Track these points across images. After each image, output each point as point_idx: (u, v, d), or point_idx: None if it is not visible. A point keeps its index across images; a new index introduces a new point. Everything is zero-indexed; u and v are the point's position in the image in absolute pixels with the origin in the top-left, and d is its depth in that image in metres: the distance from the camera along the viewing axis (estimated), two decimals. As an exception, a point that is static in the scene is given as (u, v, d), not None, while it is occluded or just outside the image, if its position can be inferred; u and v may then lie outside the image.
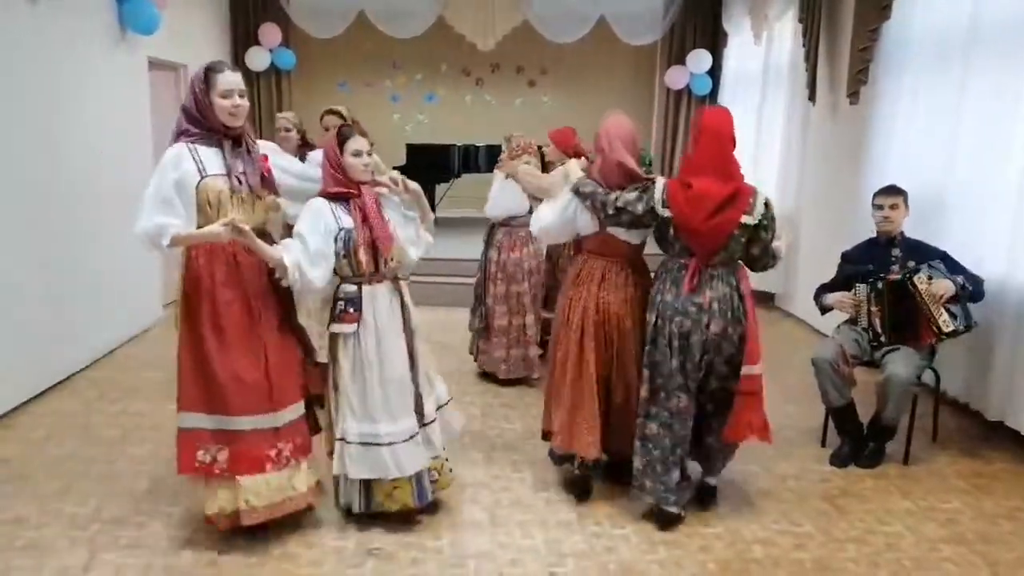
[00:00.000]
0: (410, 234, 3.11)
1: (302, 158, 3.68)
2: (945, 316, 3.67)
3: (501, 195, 4.86)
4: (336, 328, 2.98)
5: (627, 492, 3.50)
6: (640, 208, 3.11)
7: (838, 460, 3.87)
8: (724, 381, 3.16)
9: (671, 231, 3.10)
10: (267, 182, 2.98)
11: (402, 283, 3.10)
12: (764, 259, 3.14)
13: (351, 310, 2.95)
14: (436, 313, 6.62)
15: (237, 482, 2.87)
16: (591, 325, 3.25)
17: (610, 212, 3.16)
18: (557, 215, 3.31)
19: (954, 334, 3.70)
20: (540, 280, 4.94)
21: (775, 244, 3.17)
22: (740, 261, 3.15)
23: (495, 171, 5.04)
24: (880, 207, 3.97)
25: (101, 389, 4.73)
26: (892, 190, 3.99)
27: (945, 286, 3.65)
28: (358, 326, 2.95)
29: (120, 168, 5.57)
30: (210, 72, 2.84)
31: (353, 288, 2.97)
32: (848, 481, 3.71)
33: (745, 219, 3.02)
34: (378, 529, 3.14)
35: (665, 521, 3.22)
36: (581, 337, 3.27)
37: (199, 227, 2.77)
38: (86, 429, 4.11)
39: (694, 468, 3.36)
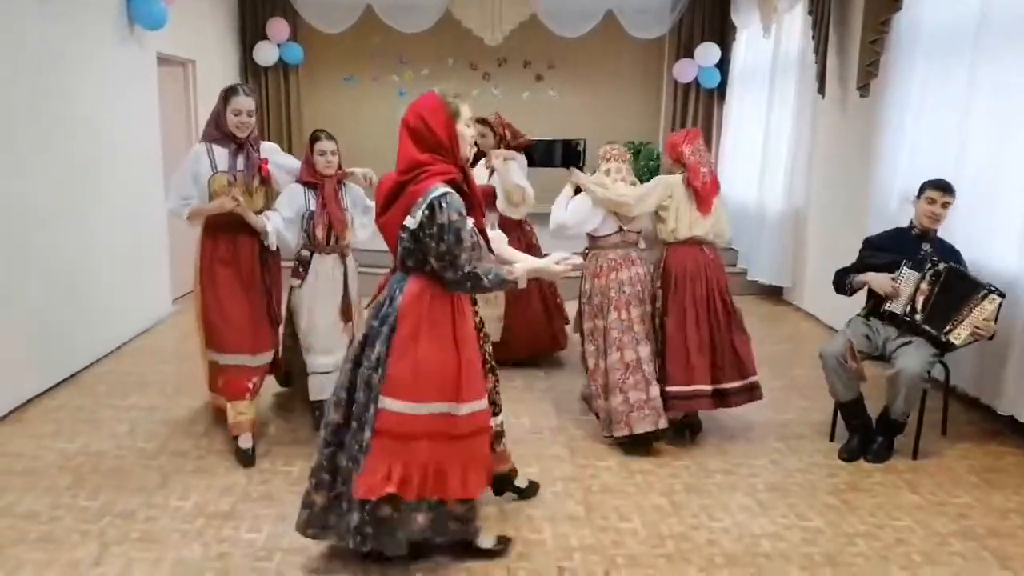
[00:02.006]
0: (365, 220, 3.94)
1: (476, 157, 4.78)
2: (966, 337, 3.68)
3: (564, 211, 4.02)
4: (291, 282, 3.92)
5: (633, 484, 3.52)
6: None
7: (846, 454, 3.85)
8: (360, 407, 2.67)
9: None
10: (264, 179, 3.83)
11: (348, 258, 3.97)
12: (444, 273, 2.55)
13: (301, 270, 3.89)
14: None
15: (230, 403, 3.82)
16: None
17: None
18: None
19: (950, 347, 3.77)
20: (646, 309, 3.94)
21: (510, 268, 2.67)
22: (421, 271, 2.63)
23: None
24: (933, 201, 3.86)
25: (111, 383, 4.75)
26: (949, 187, 3.87)
27: (991, 331, 3.69)
28: (302, 283, 3.88)
29: (129, 163, 5.59)
30: (229, 93, 3.72)
31: (307, 254, 3.89)
32: (857, 476, 3.69)
33: (407, 221, 2.56)
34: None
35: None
36: None
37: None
38: (96, 423, 4.13)
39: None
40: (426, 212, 2.50)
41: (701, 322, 3.87)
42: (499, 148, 4.80)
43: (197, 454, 3.77)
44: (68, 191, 4.82)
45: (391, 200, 2.62)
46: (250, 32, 8.63)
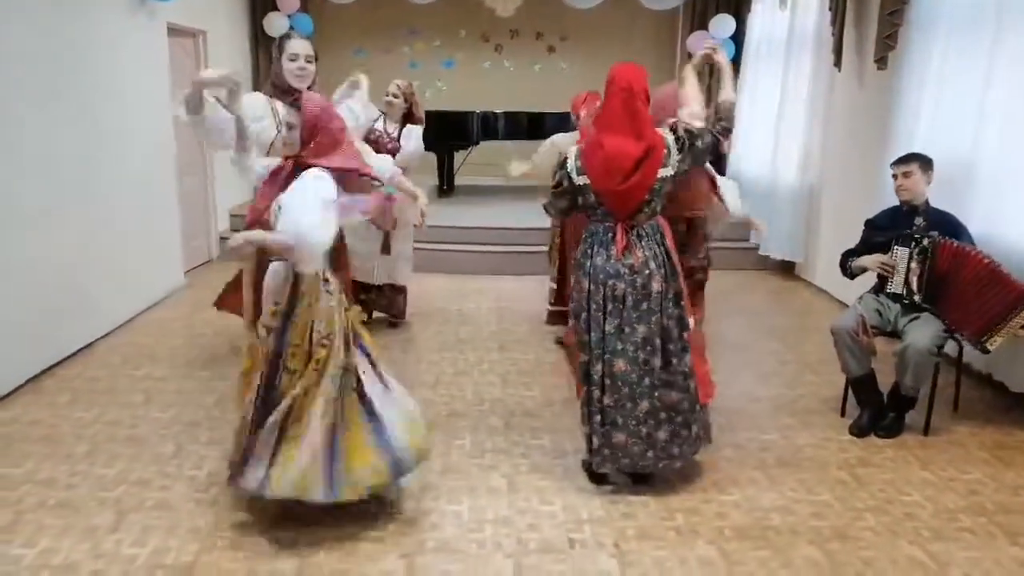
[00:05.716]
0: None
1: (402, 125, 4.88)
2: (999, 343, 3.62)
3: None
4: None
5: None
6: (564, 184, 3.14)
7: (857, 430, 3.85)
8: (677, 343, 3.10)
9: (591, 196, 3.09)
10: None
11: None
12: (713, 145, 3.14)
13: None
14: (451, 280, 6.63)
15: None
16: None
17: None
18: None
19: (984, 351, 3.69)
20: None
21: (720, 103, 3.26)
22: (661, 215, 3.17)
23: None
24: (894, 176, 3.91)
25: (125, 354, 4.79)
26: (905, 157, 3.91)
27: None
28: None
29: (140, 135, 5.59)
30: (284, 38, 3.35)
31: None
32: (867, 451, 3.70)
33: (662, 172, 3.02)
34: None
35: (594, 479, 3.31)
36: None
37: None
38: (111, 393, 4.18)
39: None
40: (678, 147, 3.04)
41: None
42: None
43: (209, 425, 3.80)
44: (77, 162, 4.83)
45: (640, 163, 2.98)
46: (260, 2, 8.56)
